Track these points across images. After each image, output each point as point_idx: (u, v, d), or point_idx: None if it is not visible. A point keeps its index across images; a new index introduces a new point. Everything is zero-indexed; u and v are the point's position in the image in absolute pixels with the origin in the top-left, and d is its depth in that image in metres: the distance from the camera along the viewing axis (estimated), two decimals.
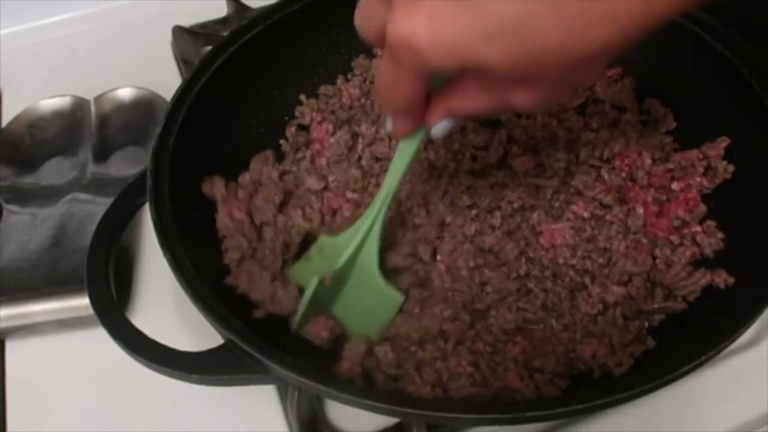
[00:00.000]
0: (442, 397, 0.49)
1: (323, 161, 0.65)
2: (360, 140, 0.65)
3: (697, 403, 0.54)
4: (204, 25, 0.84)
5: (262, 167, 0.63)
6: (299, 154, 0.66)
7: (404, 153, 0.49)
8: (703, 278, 0.53)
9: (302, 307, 0.51)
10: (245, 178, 0.62)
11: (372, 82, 0.71)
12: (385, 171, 0.60)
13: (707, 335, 0.47)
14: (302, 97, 0.70)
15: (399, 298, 0.53)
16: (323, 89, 0.71)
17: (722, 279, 0.53)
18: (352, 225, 0.54)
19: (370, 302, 0.53)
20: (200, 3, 0.86)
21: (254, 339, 0.48)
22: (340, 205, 0.61)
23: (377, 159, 0.64)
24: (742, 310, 0.47)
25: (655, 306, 0.54)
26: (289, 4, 0.68)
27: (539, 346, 0.52)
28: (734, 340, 0.46)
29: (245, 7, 0.84)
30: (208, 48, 0.74)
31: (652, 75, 0.65)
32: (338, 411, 0.55)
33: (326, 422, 0.54)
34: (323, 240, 0.56)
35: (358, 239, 0.52)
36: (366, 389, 0.49)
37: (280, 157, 0.66)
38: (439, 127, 0.43)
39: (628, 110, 0.65)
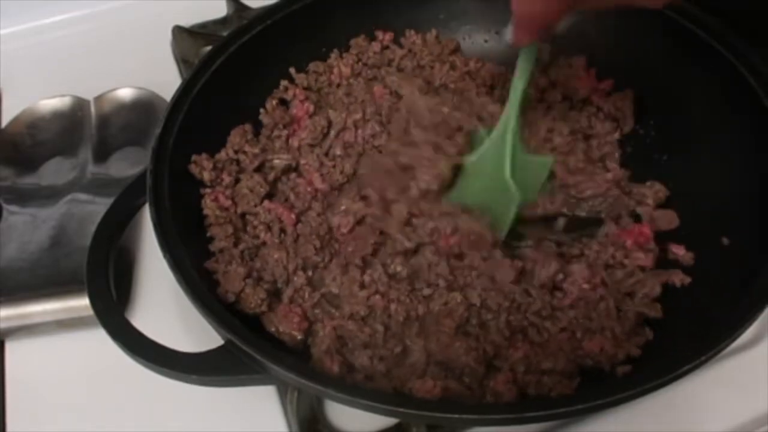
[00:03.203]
0: (442, 398, 0.49)
1: (296, 143, 0.65)
2: (332, 127, 0.66)
3: (697, 403, 0.54)
4: (204, 25, 0.84)
5: (240, 141, 0.63)
6: (276, 132, 0.66)
7: (527, 59, 0.56)
8: (659, 279, 0.55)
9: (510, 219, 0.59)
10: (223, 153, 0.62)
11: (365, 64, 0.71)
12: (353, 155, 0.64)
13: (707, 335, 0.47)
14: (292, 70, 0.70)
15: (549, 160, 0.61)
16: (313, 66, 0.70)
17: (679, 279, 0.55)
18: (486, 140, 0.60)
19: (529, 178, 0.60)
20: (200, 3, 0.86)
21: (254, 340, 0.48)
22: (312, 188, 0.62)
23: (346, 146, 0.65)
24: (741, 310, 0.47)
25: (633, 309, 0.54)
26: (289, 4, 0.68)
27: (540, 351, 0.52)
28: (734, 340, 0.46)
29: (245, 7, 0.84)
30: (208, 48, 0.74)
31: (652, 76, 0.65)
32: (338, 411, 0.55)
33: (326, 422, 0.54)
34: (469, 164, 0.60)
35: (509, 143, 0.58)
36: (366, 389, 0.49)
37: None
38: (564, 24, 0.53)
39: (624, 121, 0.65)
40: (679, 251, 0.57)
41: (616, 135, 0.65)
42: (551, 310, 0.55)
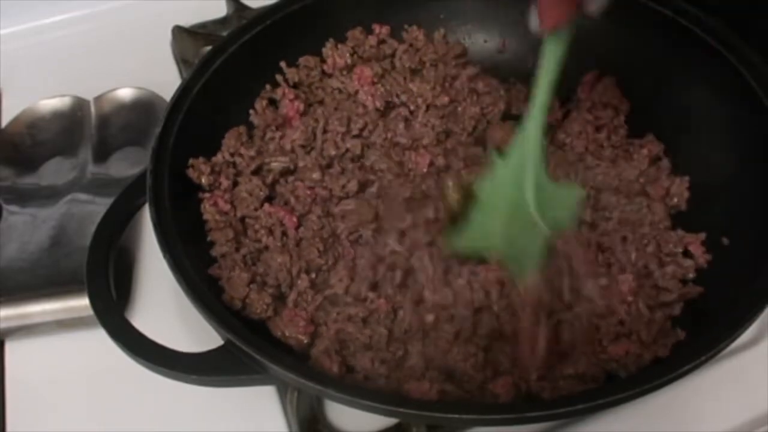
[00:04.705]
0: (442, 398, 0.49)
1: (288, 144, 0.64)
2: (318, 127, 0.65)
3: (697, 403, 0.54)
4: (204, 25, 0.84)
5: (235, 144, 0.63)
6: (269, 134, 0.65)
7: (554, 50, 0.46)
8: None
9: (538, 259, 0.50)
10: (219, 156, 0.62)
11: (361, 57, 0.70)
12: (349, 159, 0.64)
13: (707, 335, 0.47)
14: (283, 64, 0.69)
15: (580, 190, 0.52)
16: (304, 60, 0.69)
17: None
18: (498, 165, 0.51)
19: (557, 210, 0.50)
20: (200, 3, 0.86)
21: (253, 340, 0.48)
22: (312, 192, 0.61)
23: (337, 147, 0.64)
24: (741, 310, 0.47)
25: (675, 295, 0.54)
26: (289, 4, 0.68)
27: (560, 358, 0.51)
28: (734, 340, 0.46)
29: (245, 7, 0.84)
30: (208, 48, 0.74)
31: (651, 77, 0.65)
32: (338, 411, 0.55)
33: (326, 422, 0.54)
34: (482, 191, 0.52)
35: (532, 171, 0.48)
36: (366, 389, 0.49)
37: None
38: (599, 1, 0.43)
39: (618, 108, 0.65)
40: (697, 251, 0.57)
41: (621, 118, 0.65)
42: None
